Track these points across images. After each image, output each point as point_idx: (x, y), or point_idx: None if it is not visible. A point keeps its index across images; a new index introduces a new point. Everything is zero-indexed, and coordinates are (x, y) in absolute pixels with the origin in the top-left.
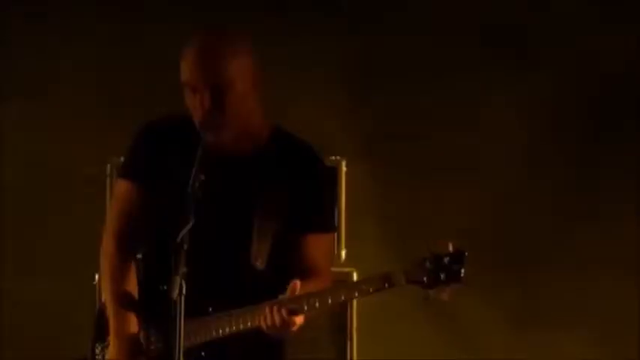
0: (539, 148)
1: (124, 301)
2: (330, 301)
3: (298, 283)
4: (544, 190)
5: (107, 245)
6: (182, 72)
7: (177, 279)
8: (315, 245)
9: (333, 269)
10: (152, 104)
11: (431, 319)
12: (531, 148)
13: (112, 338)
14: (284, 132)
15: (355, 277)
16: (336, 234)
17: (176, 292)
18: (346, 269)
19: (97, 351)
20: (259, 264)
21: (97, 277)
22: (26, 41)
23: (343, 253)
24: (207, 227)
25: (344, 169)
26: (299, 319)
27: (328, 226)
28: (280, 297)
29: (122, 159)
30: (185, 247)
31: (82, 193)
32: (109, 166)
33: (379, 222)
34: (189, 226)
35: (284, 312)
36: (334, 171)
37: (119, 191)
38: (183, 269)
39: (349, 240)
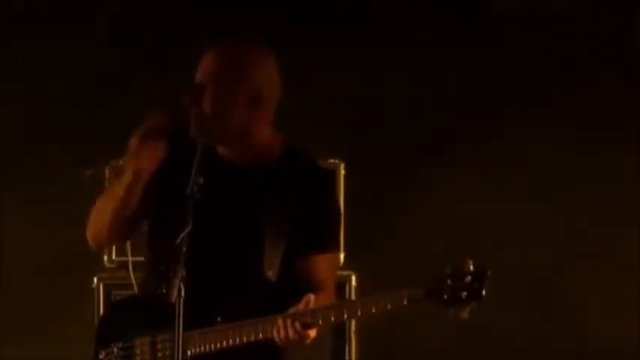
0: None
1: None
2: (345, 315)
3: (313, 296)
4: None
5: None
6: (197, 73)
7: (177, 282)
8: (321, 264)
9: None
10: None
11: (430, 323)
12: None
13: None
14: (294, 148)
15: (354, 280)
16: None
17: (175, 295)
18: (345, 272)
19: (101, 356)
20: (271, 275)
21: (95, 279)
22: (25, 39)
23: (342, 257)
24: (217, 237)
25: (342, 172)
26: (313, 332)
27: (334, 246)
28: (293, 309)
29: (121, 162)
30: (184, 250)
31: (81, 196)
32: (107, 169)
33: (378, 225)
34: (188, 229)
35: (298, 325)
36: (333, 174)
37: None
38: (182, 272)
39: (348, 243)
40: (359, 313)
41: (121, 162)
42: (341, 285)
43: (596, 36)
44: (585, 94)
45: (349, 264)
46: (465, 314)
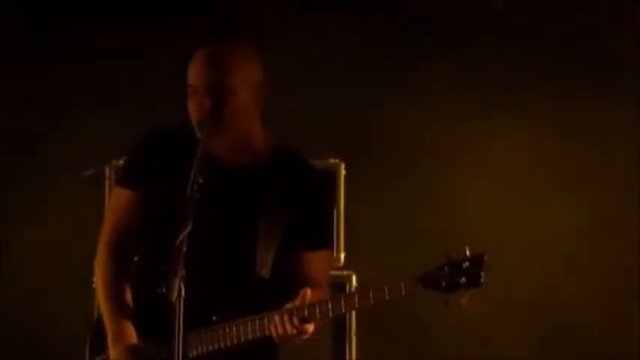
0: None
1: (121, 311)
2: (343, 307)
3: (309, 291)
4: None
5: (102, 256)
6: (189, 74)
7: (177, 281)
8: (315, 261)
9: (332, 272)
10: (153, 107)
11: (429, 321)
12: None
13: (111, 349)
14: (285, 147)
15: (354, 280)
16: (335, 238)
17: (175, 294)
18: (345, 272)
19: None
20: (264, 273)
21: (95, 279)
22: (25, 38)
23: (342, 257)
24: (211, 237)
25: (343, 171)
26: (311, 327)
27: (328, 243)
28: (289, 305)
29: (121, 162)
30: (184, 249)
31: (81, 196)
32: (107, 168)
33: (378, 225)
34: (188, 229)
35: (296, 320)
36: (333, 175)
37: (116, 200)
38: (182, 272)
39: (348, 243)
40: (357, 305)
41: (120, 162)
42: (341, 285)
43: (596, 36)
44: (585, 93)
45: (349, 264)
46: (464, 300)
